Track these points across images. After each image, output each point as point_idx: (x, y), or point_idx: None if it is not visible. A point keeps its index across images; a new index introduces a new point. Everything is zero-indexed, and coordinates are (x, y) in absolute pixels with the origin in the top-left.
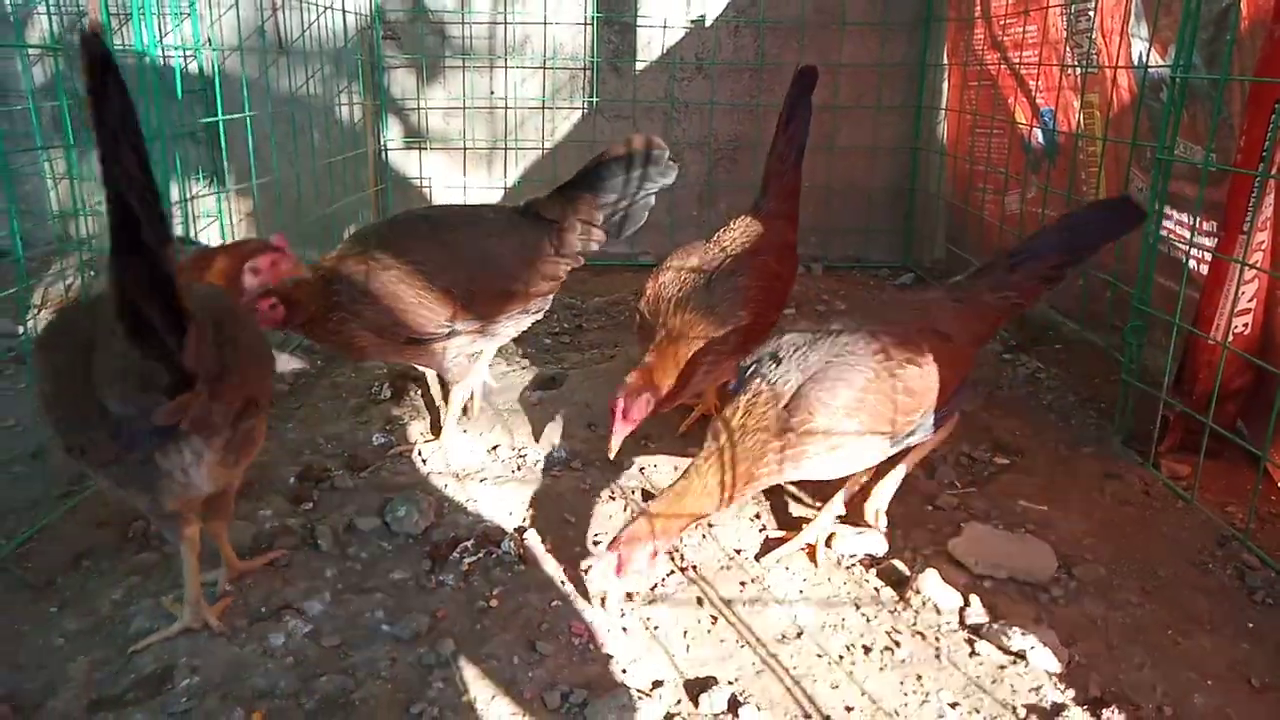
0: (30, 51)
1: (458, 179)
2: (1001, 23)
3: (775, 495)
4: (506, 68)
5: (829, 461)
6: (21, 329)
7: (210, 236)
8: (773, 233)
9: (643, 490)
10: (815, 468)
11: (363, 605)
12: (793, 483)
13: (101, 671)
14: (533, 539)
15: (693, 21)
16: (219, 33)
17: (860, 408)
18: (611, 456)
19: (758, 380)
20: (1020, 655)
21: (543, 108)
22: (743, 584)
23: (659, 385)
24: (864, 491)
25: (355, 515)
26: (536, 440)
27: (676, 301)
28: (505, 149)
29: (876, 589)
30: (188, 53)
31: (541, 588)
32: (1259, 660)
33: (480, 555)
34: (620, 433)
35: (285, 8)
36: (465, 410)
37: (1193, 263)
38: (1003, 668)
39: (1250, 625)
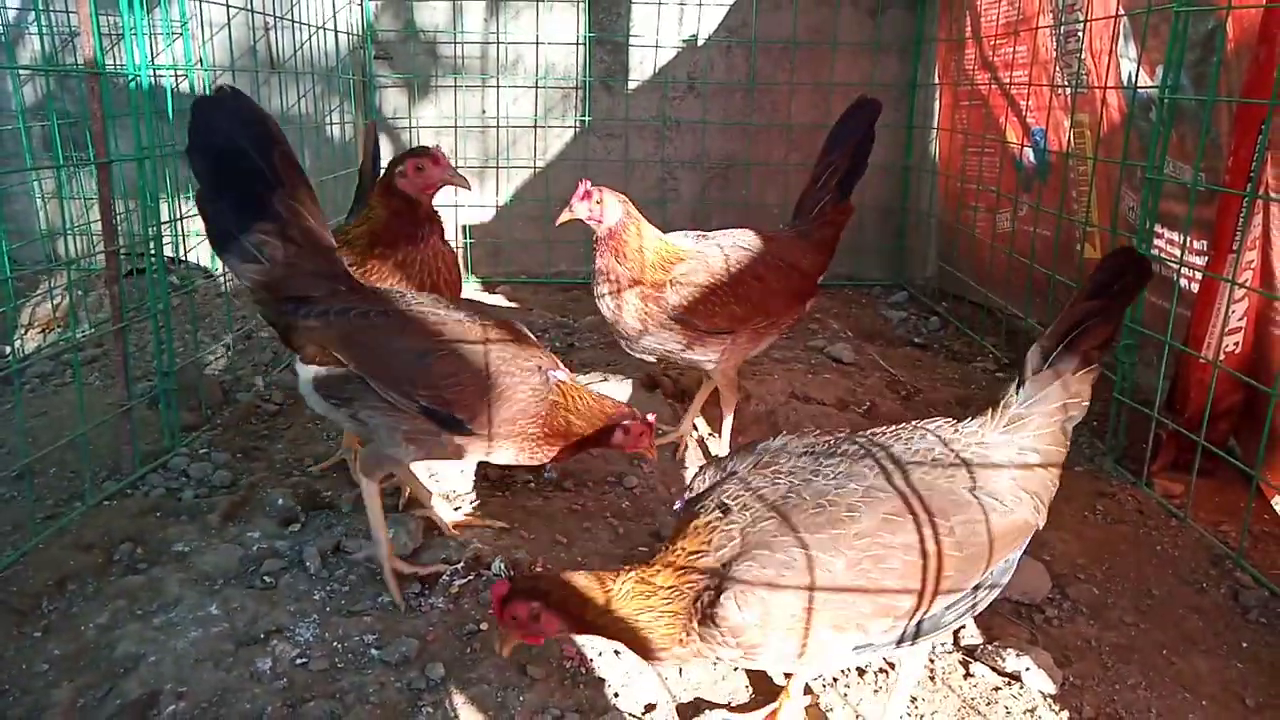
0: (21, 72)
1: (448, 197)
2: (992, 43)
3: None
4: (499, 87)
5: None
6: (9, 349)
7: (201, 255)
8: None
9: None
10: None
11: (351, 629)
12: None
13: (86, 697)
14: (524, 561)
15: (685, 41)
16: (211, 52)
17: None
18: None
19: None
20: (1015, 677)
21: (535, 126)
22: None
23: None
24: None
25: (343, 537)
26: None
27: None
28: (497, 168)
29: None
30: (179, 72)
31: None
32: (1253, 680)
33: (470, 578)
34: None
35: (277, 27)
36: None
37: (1184, 281)
38: (997, 690)
39: (1244, 645)
